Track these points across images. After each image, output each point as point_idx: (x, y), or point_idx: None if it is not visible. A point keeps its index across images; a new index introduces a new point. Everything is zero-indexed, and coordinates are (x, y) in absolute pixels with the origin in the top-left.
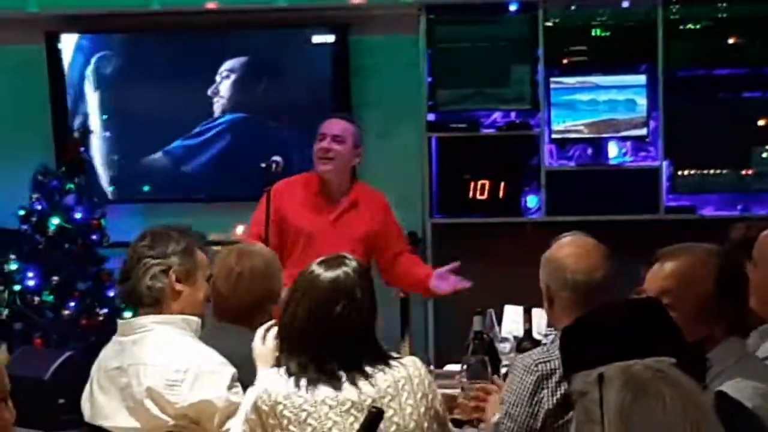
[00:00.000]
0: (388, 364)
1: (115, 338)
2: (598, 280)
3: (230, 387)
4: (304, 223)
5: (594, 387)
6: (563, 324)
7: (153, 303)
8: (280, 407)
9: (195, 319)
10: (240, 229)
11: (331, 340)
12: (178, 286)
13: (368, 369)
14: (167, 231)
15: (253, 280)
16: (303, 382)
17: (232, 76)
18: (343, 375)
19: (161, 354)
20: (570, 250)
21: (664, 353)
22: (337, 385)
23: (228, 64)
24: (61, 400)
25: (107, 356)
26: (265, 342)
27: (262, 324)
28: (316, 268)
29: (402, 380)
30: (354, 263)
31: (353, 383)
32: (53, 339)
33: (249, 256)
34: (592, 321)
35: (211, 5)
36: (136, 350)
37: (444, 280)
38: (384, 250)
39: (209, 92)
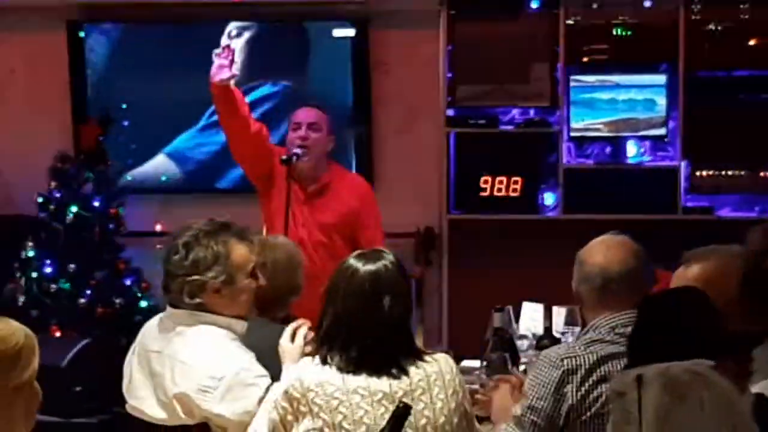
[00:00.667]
0: (420, 358)
1: (161, 318)
2: (612, 274)
3: (262, 400)
4: (282, 202)
5: (632, 388)
6: (590, 319)
7: (196, 310)
8: (312, 394)
9: (241, 323)
10: None
11: (373, 333)
12: (217, 296)
13: (401, 361)
14: (198, 238)
15: (275, 272)
16: (336, 371)
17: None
18: (377, 366)
19: (200, 355)
20: (594, 247)
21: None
22: (369, 376)
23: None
24: (78, 388)
25: (151, 335)
26: (294, 341)
27: (281, 316)
28: (354, 262)
29: (434, 375)
30: (391, 257)
31: (386, 374)
32: (69, 327)
33: (272, 249)
34: (659, 313)
35: None
36: (178, 342)
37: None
38: (356, 238)
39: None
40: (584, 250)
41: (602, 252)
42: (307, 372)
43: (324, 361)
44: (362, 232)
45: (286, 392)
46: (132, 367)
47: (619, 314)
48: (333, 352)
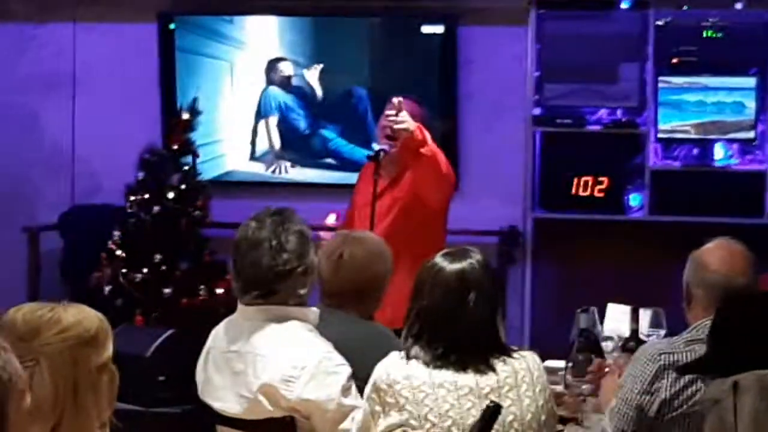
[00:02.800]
0: (508, 355)
1: (233, 318)
2: (737, 285)
3: (345, 389)
4: (357, 198)
5: (728, 395)
6: (694, 318)
7: (296, 304)
8: (399, 386)
9: (314, 311)
10: (331, 218)
11: (459, 330)
12: (310, 279)
13: (488, 358)
14: (287, 229)
15: (353, 265)
16: (422, 365)
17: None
18: (464, 362)
19: (281, 347)
20: (716, 252)
21: None
22: (457, 371)
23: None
24: (162, 378)
25: (224, 336)
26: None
27: (370, 310)
28: (441, 261)
29: (522, 372)
30: (478, 255)
31: (473, 370)
32: (153, 317)
33: (353, 241)
34: (743, 321)
35: None
36: (256, 338)
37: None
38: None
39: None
40: (705, 255)
41: (726, 261)
42: (394, 365)
43: (411, 356)
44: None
45: (373, 384)
46: (208, 370)
47: None
48: (419, 348)
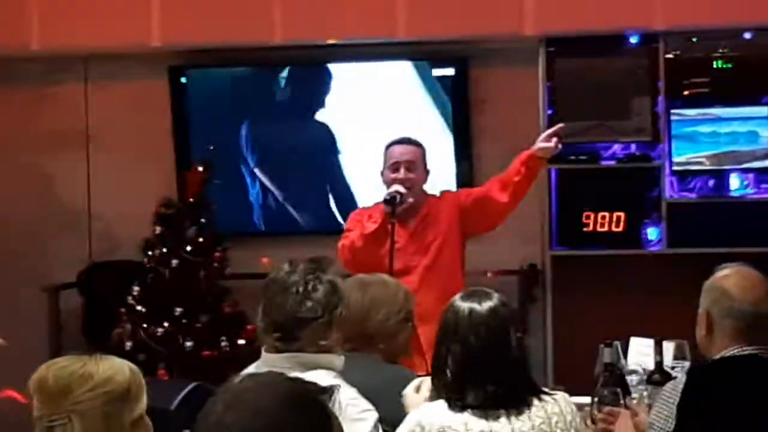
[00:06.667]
0: (540, 398)
1: (257, 365)
2: (764, 312)
3: None
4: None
5: None
6: (715, 348)
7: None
8: None
9: (340, 358)
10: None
11: (505, 369)
12: (336, 333)
13: (525, 400)
14: (319, 278)
15: (373, 308)
16: (458, 413)
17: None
18: (500, 406)
19: None
20: (737, 280)
21: None
22: (492, 417)
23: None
24: (187, 431)
25: None
26: (419, 392)
27: (395, 353)
28: (468, 303)
29: (555, 416)
30: (497, 294)
31: (508, 415)
32: (176, 370)
33: (369, 286)
34: None
35: (332, 39)
36: None
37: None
38: (476, 204)
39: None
40: (726, 284)
41: (750, 290)
42: (430, 415)
43: (455, 403)
44: (471, 196)
45: None
46: None
47: (750, 348)
48: (458, 394)
